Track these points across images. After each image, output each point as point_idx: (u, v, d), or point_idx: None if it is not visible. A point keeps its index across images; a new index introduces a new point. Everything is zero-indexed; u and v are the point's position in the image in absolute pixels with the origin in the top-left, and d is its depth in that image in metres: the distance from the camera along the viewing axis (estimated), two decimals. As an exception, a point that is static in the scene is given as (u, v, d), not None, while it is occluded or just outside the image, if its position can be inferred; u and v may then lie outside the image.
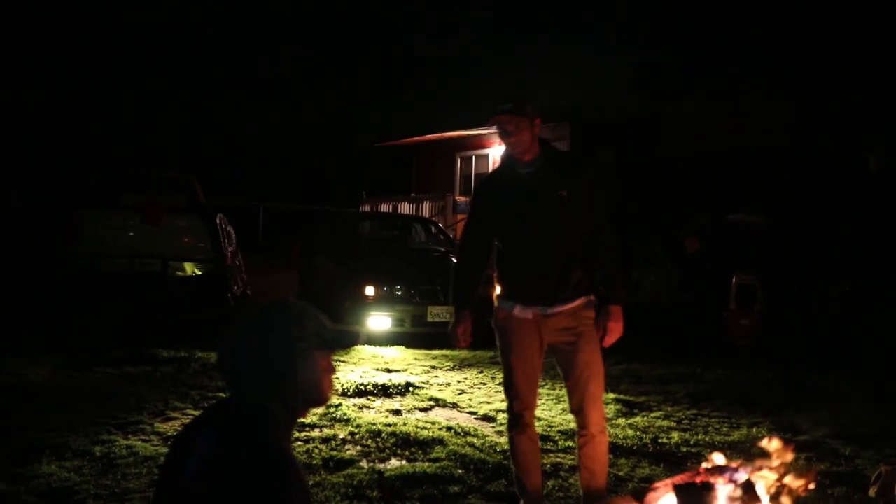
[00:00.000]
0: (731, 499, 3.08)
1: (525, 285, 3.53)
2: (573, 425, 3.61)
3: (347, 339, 2.02)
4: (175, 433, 4.73)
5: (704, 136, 16.15)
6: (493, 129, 3.49)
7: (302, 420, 4.58)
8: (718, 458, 3.42)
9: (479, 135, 19.44)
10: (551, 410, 5.92)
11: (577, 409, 3.52)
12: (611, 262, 3.53)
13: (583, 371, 3.49)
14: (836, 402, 6.57)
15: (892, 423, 5.79)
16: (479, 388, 6.78)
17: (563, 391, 3.67)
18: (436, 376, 7.27)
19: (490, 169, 17.25)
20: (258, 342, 1.88)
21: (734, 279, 10.25)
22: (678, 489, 3.15)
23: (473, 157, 20.57)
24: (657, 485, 3.41)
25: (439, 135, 21.92)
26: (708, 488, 3.10)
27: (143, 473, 4.12)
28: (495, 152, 18.17)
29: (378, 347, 8.67)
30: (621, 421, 5.71)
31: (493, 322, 3.65)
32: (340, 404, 5.69)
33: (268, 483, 1.73)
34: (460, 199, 18.75)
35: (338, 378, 6.32)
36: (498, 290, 3.64)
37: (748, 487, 3.13)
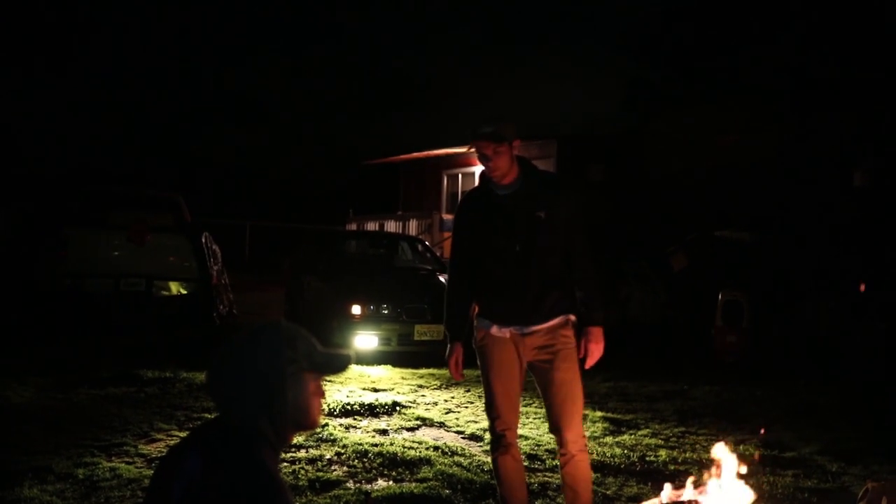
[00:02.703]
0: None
1: (502, 305, 3.53)
2: (558, 444, 3.60)
3: (338, 363, 2.01)
4: (160, 455, 4.70)
5: (691, 153, 16.23)
6: (474, 150, 3.49)
7: (288, 440, 4.56)
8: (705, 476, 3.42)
9: (465, 153, 19.44)
10: (538, 429, 5.89)
11: (556, 429, 3.52)
12: (588, 283, 3.54)
13: (559, 389, 3.48)
14: (823, 418, 6.60)
15: (880, 438, 5.81)
16: (467, 407, 6.76)
17: (549, 410, 3.65)
18: (423, 395, 7.24)
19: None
20: (249, 363, 1.88)
21: (720, 295, 10.27)
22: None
23: (460, 175, 20.58)
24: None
25: (426, 153, 21.93)
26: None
27: (126, 496, 4.07)
28: (481, 170, 18.21)
29: (365, 366, 8.63)
30: (609, 439, 5.70)
31: (473, 342, 3.65)
32: (327, 424, 5.66)
33: (255, 504, 1.72)
34: (447, 216, 18.75)
35: (324, 398, 6.29)
36: (476, 308, 3.63)
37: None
